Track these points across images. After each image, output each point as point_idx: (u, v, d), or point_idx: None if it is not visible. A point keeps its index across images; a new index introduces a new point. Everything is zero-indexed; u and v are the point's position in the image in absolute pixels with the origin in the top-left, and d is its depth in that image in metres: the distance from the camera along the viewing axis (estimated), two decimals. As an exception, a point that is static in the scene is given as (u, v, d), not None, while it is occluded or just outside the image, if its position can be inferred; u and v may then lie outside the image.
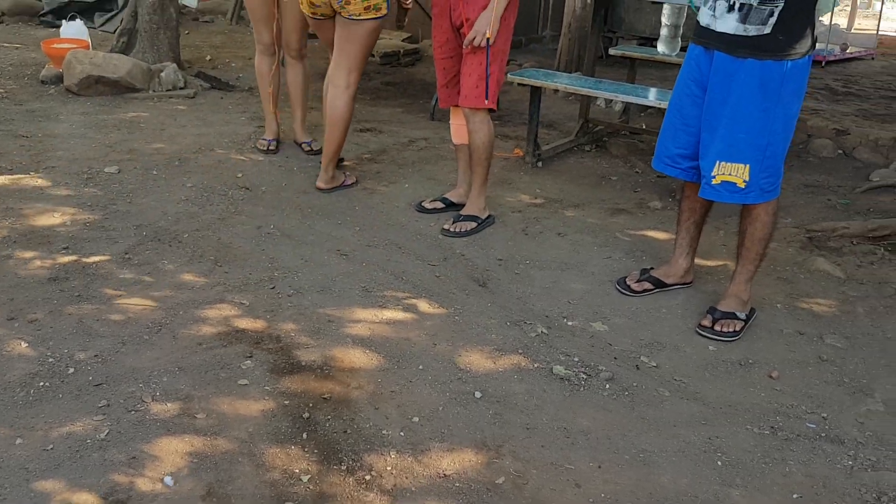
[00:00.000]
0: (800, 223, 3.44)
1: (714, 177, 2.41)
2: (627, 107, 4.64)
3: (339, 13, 3.18)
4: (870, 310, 2.73)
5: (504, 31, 2.95)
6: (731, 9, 2.29)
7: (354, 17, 3.19)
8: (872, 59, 7.12)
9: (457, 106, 3.21)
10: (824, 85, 5.92)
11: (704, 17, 2.40)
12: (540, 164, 4.09)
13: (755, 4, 2.24)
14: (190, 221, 3.13)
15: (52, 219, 3.08)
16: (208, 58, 6.06)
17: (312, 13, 3.31)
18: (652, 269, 2.86)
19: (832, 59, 6.67)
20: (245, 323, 2.43)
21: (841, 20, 8.43)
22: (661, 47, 4.14)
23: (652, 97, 3.65)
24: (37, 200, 3.25)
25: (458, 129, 3.27)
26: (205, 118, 4.52)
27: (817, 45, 6.87)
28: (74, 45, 5.13)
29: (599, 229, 3.32)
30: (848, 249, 3.19)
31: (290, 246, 2.99)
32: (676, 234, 2.79)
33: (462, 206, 3.34)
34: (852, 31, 7.86)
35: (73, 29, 5.45)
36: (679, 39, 4.03)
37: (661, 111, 3.26)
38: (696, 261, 2.89)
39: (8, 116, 4.29)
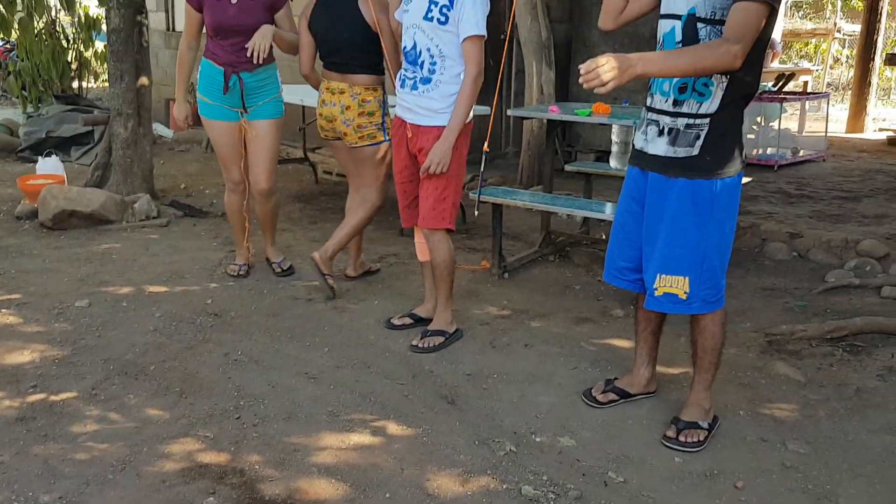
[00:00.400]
0: (759, 327, 3.52)
1: (656, 289, 2.51)
2: (587, 217, 4.80)
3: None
4: (831, 412, 2.77)
5: (457, 158, 3.12)
6: (661, 133, 2.45)
7: (353, 146, 3.57)
8: (824, 160, 7.44)
9: (415, 226, 3.35)
10: (778, 188, 6.16)
11: (639, 141, 2.56)
12: (506, 275, 4.19)
13: (682, 129, 2.39)
14: (157, 353, 3.15)
15: (22, 356, 3.09)
16: (183, 186, 6.22)
17: (325, 136, 3.65)
18: (616, 379, 2.90)
19: (784, 163, 6.97)
20: (209, 457, 2.43)
21: (792, 124, 8.85)
22: (612, 163, 4.34)
23: (608, 211, 3.80)
24: (7, 338, 3.26)
25: (422, 246, 3.39)
26: (177, 246, 4.61)
27: (769, 149, 7.10)
28: (50, 181, 5.26)
29: (565, 339, 3.38)
30: (807, 352, 3.27)
31: (257, 372, 3.01)
32: (636, 344, 2.86)
33: (431, 320, 3.40)
34: (803, 133, 8.24)
35: (49, 165, 5.60)
36: (629, 155, 4.23)
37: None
38: (660, 369, 2.95)
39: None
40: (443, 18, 2.99)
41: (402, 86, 3.17)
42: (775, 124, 7.90)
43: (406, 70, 3.16)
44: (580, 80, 2.16)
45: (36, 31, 7.94)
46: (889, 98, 13.58)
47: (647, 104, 2.52)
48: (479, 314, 3.68)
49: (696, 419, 2.58)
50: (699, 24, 2.32)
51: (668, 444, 2.54)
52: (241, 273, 4.02)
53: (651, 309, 2.60)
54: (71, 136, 7.16)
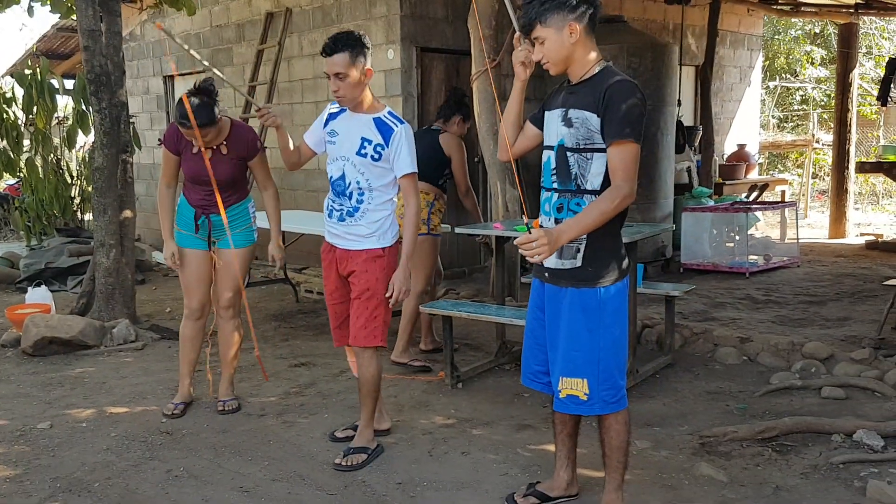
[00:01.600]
0: (694, 430, 3.59)
1: (560, 391, 2.65)
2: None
3: None
4: (745, 510, 2.82)
5: (385, 279, 3.28)
6: None
7: None
8: (798, 266, 7.59)
9: (345, 346, 3.52)
10: (745, 295, 6.29)
11: None
12: (460, 384, 4.31)
13: (564, 246, 2.55)
14: (104, 470, 3.28)
15: (-27, 477, 3.22)
16: (168, 310, 6.47)
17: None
18: (538, 483, 2.98)
19: (755, 269, 7.13)
20: (129, 567, 2.51)
21: (774, 232, 9.08)
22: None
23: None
24: (-37, 459, 3.41)
25: (355, 364, 3.52)
26: (147, 368, 4.79)
27: (739, 257, 7.23)
28: (37, 310, 5.53)
29: (503, 446, 3.47)
30: (737, 453, 3.32)
31: (194, 487, 3.12)
32: (555, 448, 2.95)
33: (378, 430, 3.52)
34: (786, 240, 8.44)
35: (38, 294, 5.89)
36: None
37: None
38: (585, 471, 3.02)
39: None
40: (376, 156, 3.22)
41: (330, 216, 3.34)
42: (753, 232, 8.14)
43: (333, 201, 3.33)
44: (522, 253, 2.44)
45: (41, 170, 8.48)
46: (879, 203, 13.83)
47: (540, 224, 2.74)
48: (425, 423, 3.78)
49: None
50: (568, 153, 2.59)
51: None
52: (176, 413, 3.91)
53: (557, 410, 2.74)
54: (68, 267, 7.52)
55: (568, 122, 2.57)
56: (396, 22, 6.70)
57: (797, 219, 8.13)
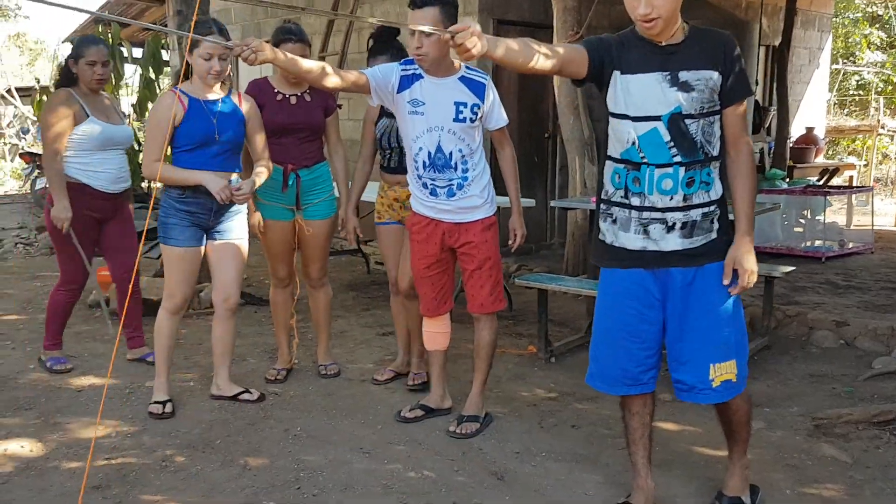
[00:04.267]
0: (805, 412, 3.55)
1: (713, 380, 2.45)
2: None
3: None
4: (877, 492, 2.79)
5: (498, 245, 3.29)
6: (670, 229, 2.40)
7: None
8: (871, 252, 7.45)
9: (439, 315, 3.41)
10: (825, 279, 6.19)
11: (634, 242, 2.44)
12: (553, 359, 4.30)
13: (698, 219, 2.39)
14: (222, 428, 3.34)
15: (97, 431, 3.29)
16: (245, 277, 6.52)
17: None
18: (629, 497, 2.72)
19: (831, 255, 7.01)
20: (272, 523, 2.56)
21: (840, 218, 8.91)
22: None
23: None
24: (83, 415, 3.49)
25: (435, 336, 3.44)
26: (239, 331, 4.83)
27: (816, 242, 7.10)
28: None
29: (613, 421, 3.45)
30: (854, 435, 3.29)
31: (314, 446, 3.16)
32: (634, 455, 2.65)
33: (440, 410, 3.48)
34: (851, 227, 8.27)
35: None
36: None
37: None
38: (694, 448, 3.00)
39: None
40: (473, 117, 3.10)
41: (434, 194, 3.17)
42: (821, 217, 8.00)
43: (433, 179, 3.14)
44: (738, 289, 2.41)
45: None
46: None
47: (633, 205, 2.41)
48: (527, 396, 3.79)
49: (739, 494, 2.63)
50: (688, 121, 2.34)
51: None
52: (279, 378, 3.94)
53: (709, 403, 2.53)
54: (140, 232, 7.61)
55: (684, 86, 2.31)
56: (474, -8, 6.64)
57: (872, 204, 7.97)
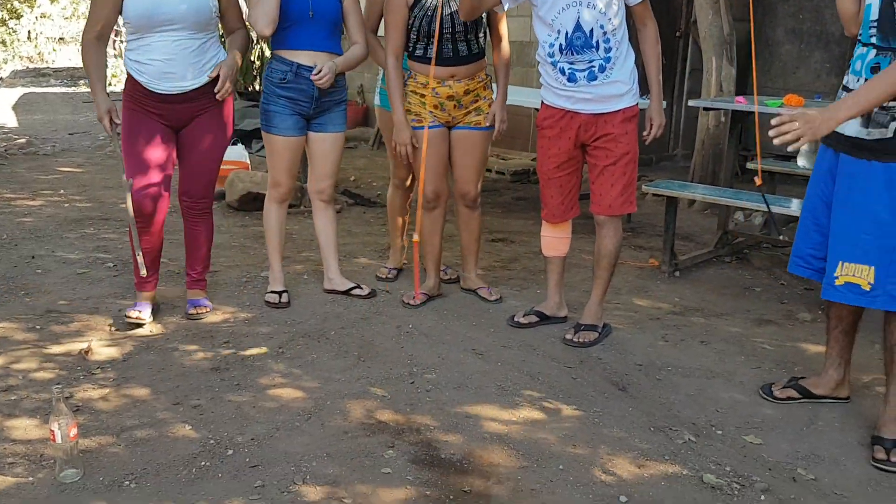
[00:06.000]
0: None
1: (837, 277, 2.35)
2: (767, 220, 4.56)
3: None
4: None
5: (638, 140, 3.01)
6: None
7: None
8: None
9: (564, 222, 3.22)
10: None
11: None
12: (677, 273, 4.05)
13: (876, 110, 2.23)
14: (336, 320, 3.30)
15: (215, 317, 3.32)
16: (352, 178, 6.49)
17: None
18: (802, 378, 2.72)
19: None
20: (386, 415, 2.50)
21: None
22: (801, 161, 4.08)
23: (794, 207, 3.58)
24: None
25: (554, 241, 3.25)
26: (350, 230, 4.81)
27: None
28: (235, 167, 5.65)
29: (745, 339, 3.22)
30: None
31: (427, 344, 3.07)
32: (826, 345, 2.67)
33: (555, 318, 3.31)
34: None
35: (235, 153, 5.99)
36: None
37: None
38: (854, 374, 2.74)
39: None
40: None
41: (572, 79, 2.92)
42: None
43: (572, 62, 2.89)
44: (771, 133, 2.16)
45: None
46: None
47: (844, 83, 2.39)
48: (649, 308, 3.57)
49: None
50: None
51: (879, 466, 2.30)
52: (389, 277, 3.83)
53: (828, 299, 2.45)
54: (251, 130, 7.66)
55: None
56: None
57: None
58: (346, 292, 3.59)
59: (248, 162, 5.98)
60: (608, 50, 2.88)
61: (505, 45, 3.42)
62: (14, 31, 17.94)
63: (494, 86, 3.47)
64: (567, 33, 2.86)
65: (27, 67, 17.52)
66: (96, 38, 3.02)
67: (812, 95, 4.89)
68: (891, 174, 2.26)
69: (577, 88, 2.94)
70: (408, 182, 3.85)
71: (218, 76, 3.08)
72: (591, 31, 2.84)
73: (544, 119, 3.09)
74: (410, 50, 3.31)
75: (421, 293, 3.48)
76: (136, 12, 2.94)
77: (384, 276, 3.88)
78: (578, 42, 2.86)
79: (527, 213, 5.46)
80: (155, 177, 3.09)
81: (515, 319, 3.32)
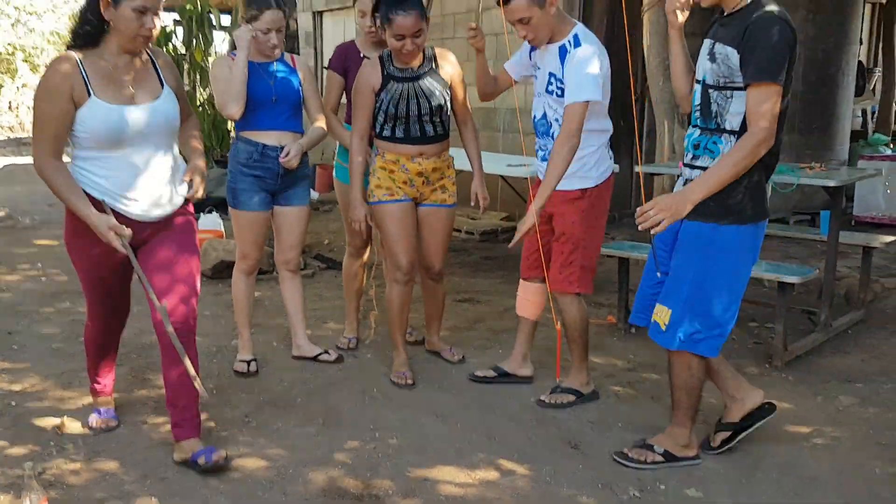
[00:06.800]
0: (903, 387, 3.37)
1: (653, 314, 2.71)
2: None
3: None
4: (980, 476, 2.62)
5: (588, 224, 3.13)
6: (685, 182, 2.66)
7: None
8: None
9: (526, 280, 3.38)
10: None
11: (677, 187, 2.76)
12: (633, 330, 4.21)
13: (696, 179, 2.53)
14: (303, 387, 3.43)
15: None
16: (326, 242, 6.66)
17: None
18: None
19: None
20: (347, 482, 2.63)
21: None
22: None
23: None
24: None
25: (523, 302, 3.42)
26: (321, 294, 4.96)
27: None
28: (210, 235, 5.81)
29: (692, 395, 3.37)
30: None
31: (390, 409, 3.21)
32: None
33: (515, 376, 3.48)
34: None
35: (209, 221, 6.17)
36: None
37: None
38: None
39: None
40: (559, 91, 3.00)
41: (542, 160, 3.19)
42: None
43: (540, 145, 3.19)
44: (637, 221, 2.43)
45: (199, 103, 8.80)
46: None
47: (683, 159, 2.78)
48: (604, 365, 3.73)
49: (660, 444, 2.77)
50: (710, 90, 2.54)
51: (619, 459, 2.77)
52: (351, 346, 3.91)
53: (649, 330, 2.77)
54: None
55: (712, 57, 2.51)
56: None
57: None
58: (314, 358, 3.73)
59: (223, 230, 6.14)
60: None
61: (471, 123, 3.57)
62: (-5, 102, 18.19)
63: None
64: (536, 118, 3.19)
65: (8, 137, 17.70)
66: (52, 157, 2.52)
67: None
68: (700, 231, 2.56)
69: (542, 167, 3.19)
70: (364, 253, 4.00)
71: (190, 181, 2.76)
72: (550, 122, 3.12)
73: (532, 187, 3.24)
74: (378, 131, 3.44)
75: (403, 373, 3.51)
76: (98, 128, 2.51)
77: (346, 347, 3.95)
78: (542, 128, 3.18)
79: (494, 272, 5.64)
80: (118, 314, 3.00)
81: (476, 374, 3.53)
